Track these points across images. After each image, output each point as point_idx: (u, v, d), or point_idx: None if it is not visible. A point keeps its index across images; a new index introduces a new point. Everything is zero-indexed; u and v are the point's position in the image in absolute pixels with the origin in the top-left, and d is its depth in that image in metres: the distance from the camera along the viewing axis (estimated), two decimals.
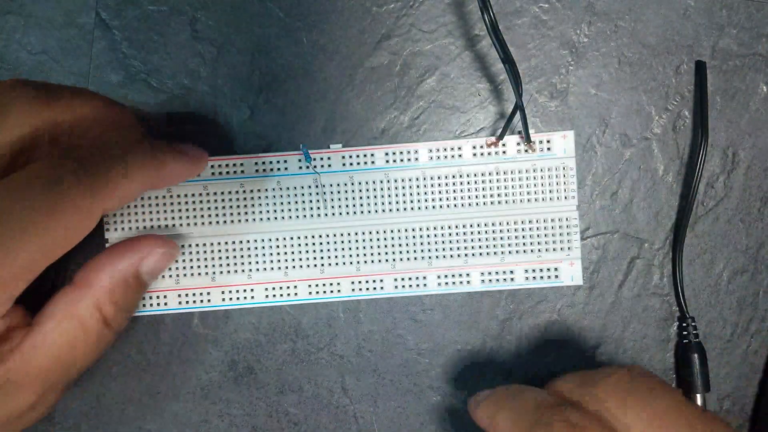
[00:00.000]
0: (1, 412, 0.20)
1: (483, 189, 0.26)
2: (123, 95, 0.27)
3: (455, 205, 0.26)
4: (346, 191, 0.26)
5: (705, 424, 0.19)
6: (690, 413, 0.19)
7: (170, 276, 0.26)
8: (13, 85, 0.20)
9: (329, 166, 0.26)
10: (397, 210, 0.26)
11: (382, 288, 0.26)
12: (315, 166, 0.26)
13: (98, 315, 0.22)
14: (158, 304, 0.26)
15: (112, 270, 0.22)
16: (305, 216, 0.26)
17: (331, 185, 0.26)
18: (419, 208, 0.26)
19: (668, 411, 0.19)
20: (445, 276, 0.26)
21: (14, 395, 0.20)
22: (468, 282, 0.26)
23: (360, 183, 0.26)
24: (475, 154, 0.26)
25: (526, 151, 0.26)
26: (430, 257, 0.26)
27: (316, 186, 0.26)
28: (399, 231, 0.26)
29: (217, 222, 0.26)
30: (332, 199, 0.26)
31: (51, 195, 0.18)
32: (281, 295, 0.26)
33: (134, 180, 0.21)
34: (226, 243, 0.26)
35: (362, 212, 0.26)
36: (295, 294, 0.26)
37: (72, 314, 0.21)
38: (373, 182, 0.26)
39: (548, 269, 0.26)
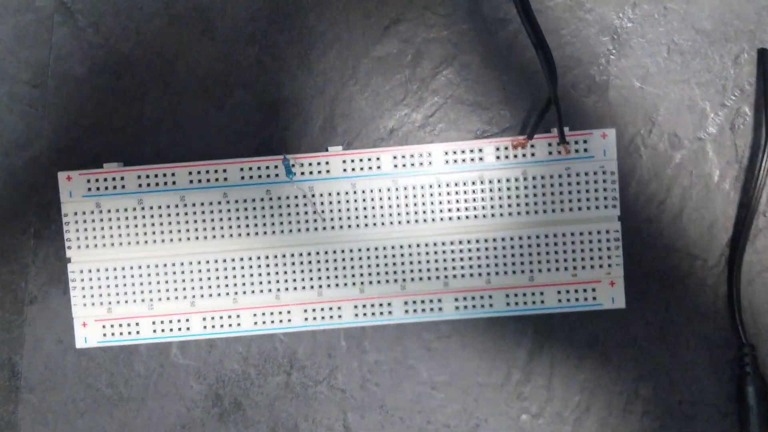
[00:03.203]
0: None
1: (508, 197, 0.25)
2: (88, 89, 0.26)
3: (475, 216, 0.25)
4: (347, 201, 0.25)
5: None
6: None
7: (142, 300, 0.25)
8: None
9: (328, 171, 0.25)
10: (408, 222, 0.25)
11: (390, 313, 0.25)
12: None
13: None
14: (129, 333, 0.25)
15: None
16: (300, 230, 0.25)
17: (330, 194, 0.25)
18: (433, 219, 0.25)
19: None
20: (464, 298, 0.25)
21: None
22: (491, 305, 0.25)
23: (364, 191, 0.25)
24: (498, 157, 0.25)
25: (559, 152, 0.25)
26: (446, 276, 0.25)
27: (304, 196, 0.25)
28: (410, 246, 0.25)
29: (197, 238, 0.25)
30: (330, 210, 0.25)
31: None
32: (272, 322, 0.25)
33: None
34: (207, 262, 0.25)
35: (366, 225, 0.25)
36: (289, 321, 0.25)
37: None
38: (380, 190, 0.25)
39: (585, 290, 0.25)
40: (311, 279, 0.25)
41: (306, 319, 0.25)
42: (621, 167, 0.25)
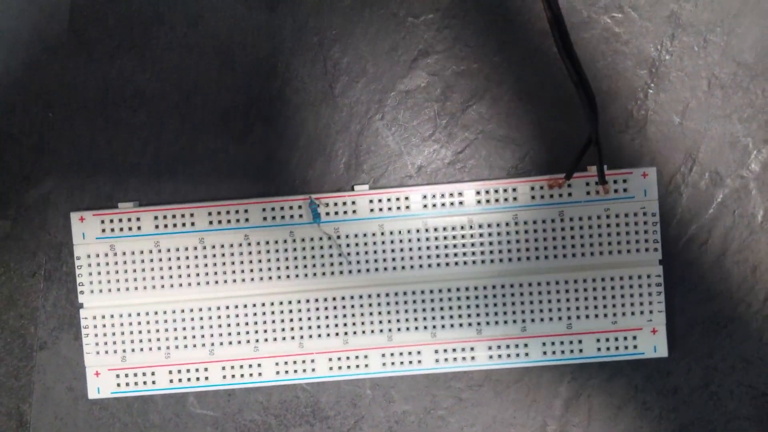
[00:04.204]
0: None
1: (544, 239, 0.24)
2: (101, 123, 0.25)
3: (509, 260, 0.24)
4: (375, 242, 0.25)
5: None
6: None
7: (158, 348, 0.25)
8: None
9: (354, 212, 0.25)
10: (438, 266, 0.25)
11: (419, 362, 0.25)
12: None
13: None
14: (144, 383, 0.25)
15: None
16: (325, 273, 0.25)
17: (356, 236, 0.25)
18: (465, 263, 0.24)
19: None
20: (498, 347, 0.25)
21: None
22: (526, 354, 0.25)
23: (392, 233, 0.25)
24: (534, 197, 0.25)
25: (597, 192, 0.24)
26: (479, 324, 0.25)
27: (329, 238, 0.24)
28: (441, 291, 0.25)
29: (216, 282, 0.25)
30: (357, 253, 0.24)
31: None
32: (295, 372, 0.25)
33: None
34: (227, 308, 0.25)
35: (395, 268, 0.25)
36: (313, 370, 0.25)
37: None
38: (408, 231, 0.25)
39: (625, 338, 0.25)
40: (336, 326, 0.25)
41: (331, 368, 0.25)
42: (660, 207, 0.25)
